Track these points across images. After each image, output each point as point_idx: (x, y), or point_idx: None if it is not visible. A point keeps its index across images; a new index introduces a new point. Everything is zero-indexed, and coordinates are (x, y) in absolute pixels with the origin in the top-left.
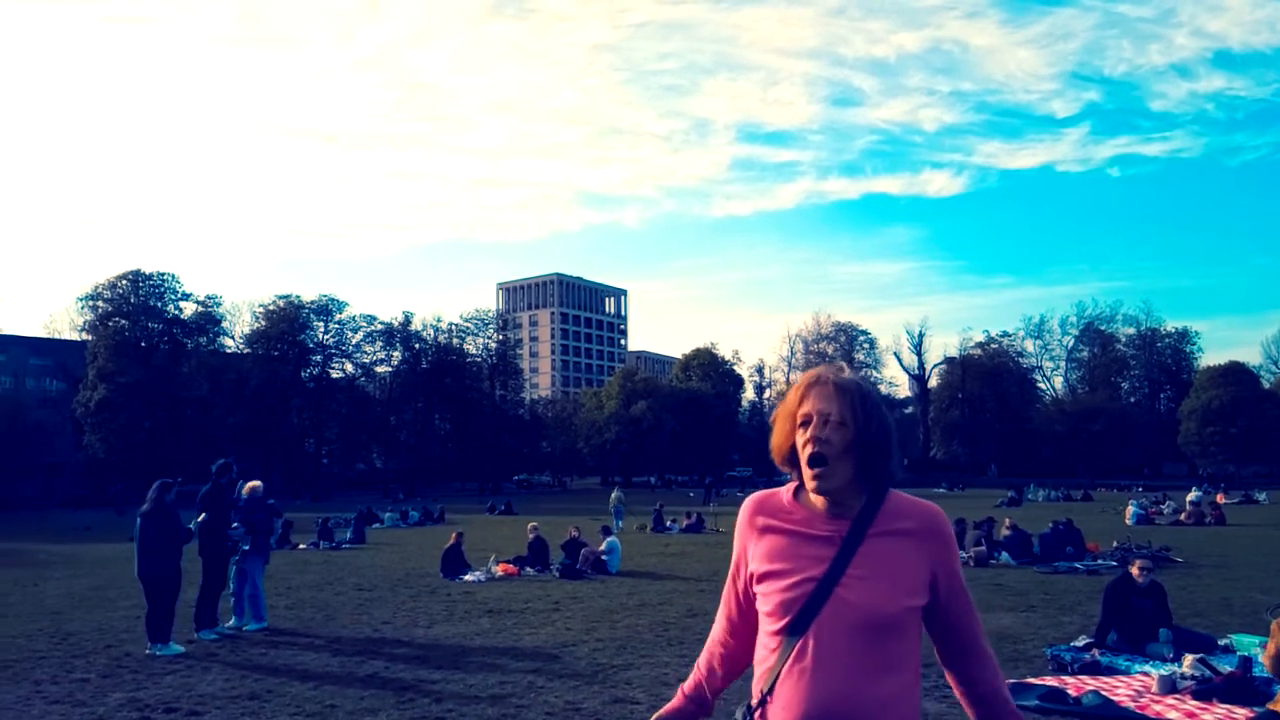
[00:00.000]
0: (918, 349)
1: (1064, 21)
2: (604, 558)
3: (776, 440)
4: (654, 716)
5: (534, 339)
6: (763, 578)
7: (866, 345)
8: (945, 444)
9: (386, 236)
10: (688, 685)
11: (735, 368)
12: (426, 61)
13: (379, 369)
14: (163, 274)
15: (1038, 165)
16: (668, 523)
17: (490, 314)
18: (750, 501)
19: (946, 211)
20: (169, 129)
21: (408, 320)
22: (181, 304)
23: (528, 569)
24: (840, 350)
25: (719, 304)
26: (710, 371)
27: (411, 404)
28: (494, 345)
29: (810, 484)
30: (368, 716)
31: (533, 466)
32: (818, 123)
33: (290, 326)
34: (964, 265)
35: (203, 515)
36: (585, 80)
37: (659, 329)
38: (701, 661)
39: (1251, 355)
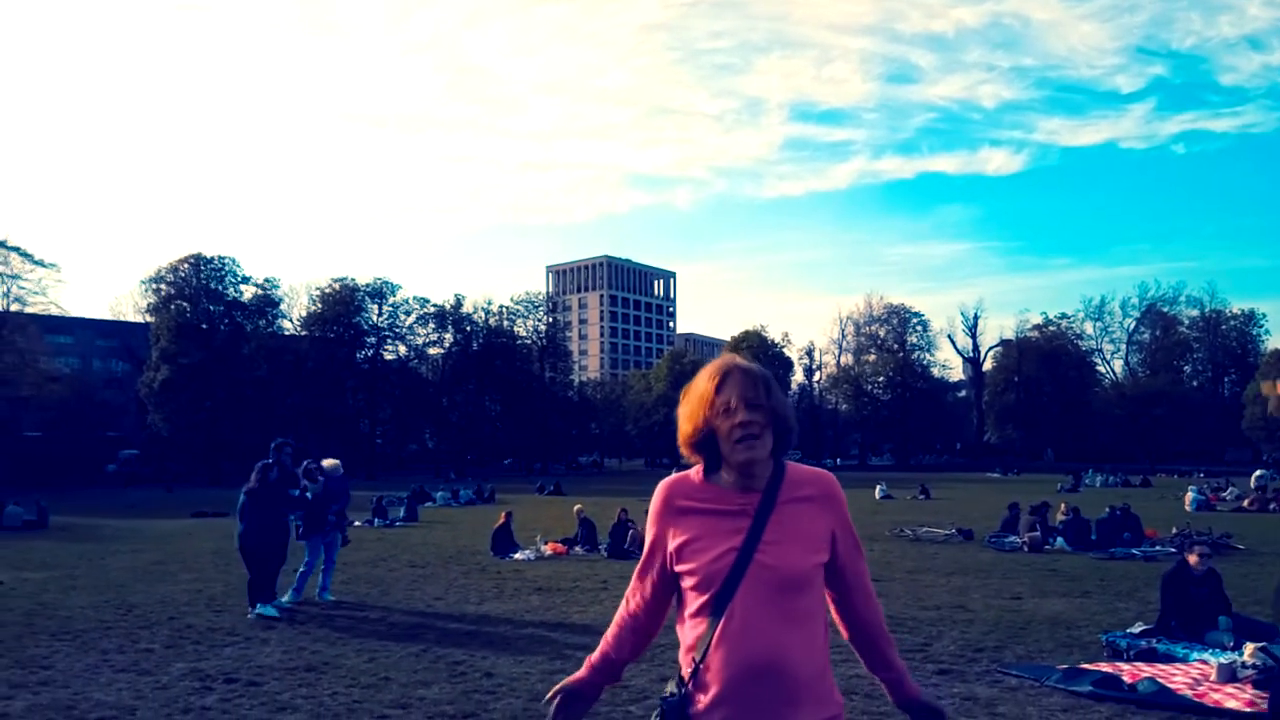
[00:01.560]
0: (972, 332)
1: None
2: None
3: (690, 426)
4: (558, 685)
5: (583, 321)
6: (684, 555)
7: (919, 328)
8: (999, 428)
9: (437, 219)
10: (594, 657)
11: (784, 350)
12: (477, 44)
13: (431, 351)
14: (223, 258)
15: (1100, 142)
16: None
17: (540, 296)
18: (665, 486)
19: (1005, 190)
20: (227, 114)
21: (459, 303)
22: (241, 287)
23: (576, 548)
24: (892, 333)
25: (769, 286)
26: (759, 354)
27: (463, 386)
28: (543, 328)
29: (740, 457)
30: (421, 689)
31: (581, 448)
32: (872, 101)
33: (345, 309)
34: (1022, 246)
35: (304, 490)
36: (636, 60)
37: (708, 311)
38: (610, 635)
39: None
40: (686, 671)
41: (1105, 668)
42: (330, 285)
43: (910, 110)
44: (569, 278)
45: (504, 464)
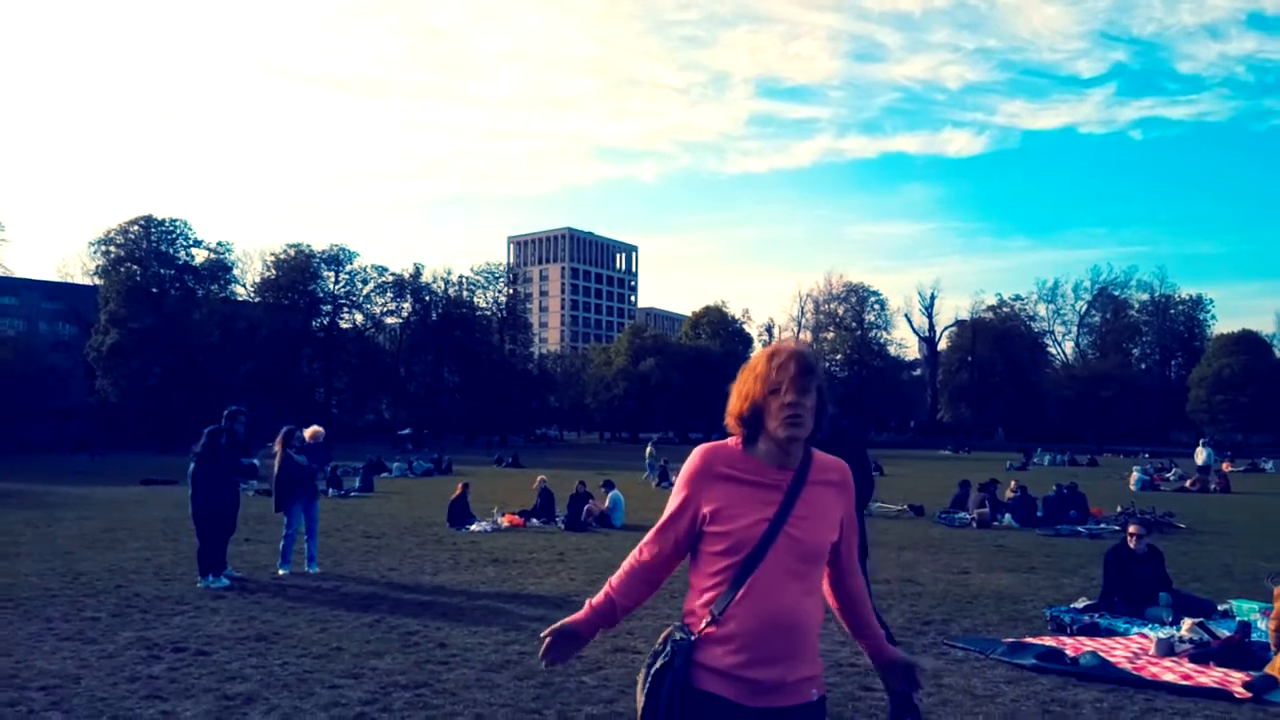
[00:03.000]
0: (929, 311)
1: None
2: (608, 512)
3: (744, 402)
4: (561, 622)
5: (544, 293)
6: (719, 518)
7: (877, 306)
8: (953, 407)
9: (398, 186)
10: (597, 599)
11: (744, 326)
12: (441, 8)
13: (389, 320)
14: (174, 220)
15: (1060, 126)
16: (672, 478)
17: (500, 267)
18: (705, 452)
19: (966, 172)
20: (180, 73)
21: (418, 272)
22: (194, 251)
23: (533, 520)
24: (851, 311)
25: (732, 261)
26: (719, 330)
27: (421, 356)
28: (504, 299)
29: (786, 433)
30: (373, 659)
31: (540, 421)
32: (838, 79)
33: (301, 276)
34: (981, 227)
35: (258, 456)
36: (602, 30)
37: (670, 285)
38: (617, 581)
39: (1265, 324)
40: (700, 622)
41: (1049, 641)
42: (285, 251)
43: (875, 89)
44: (530, 249)
45: (461, 438)
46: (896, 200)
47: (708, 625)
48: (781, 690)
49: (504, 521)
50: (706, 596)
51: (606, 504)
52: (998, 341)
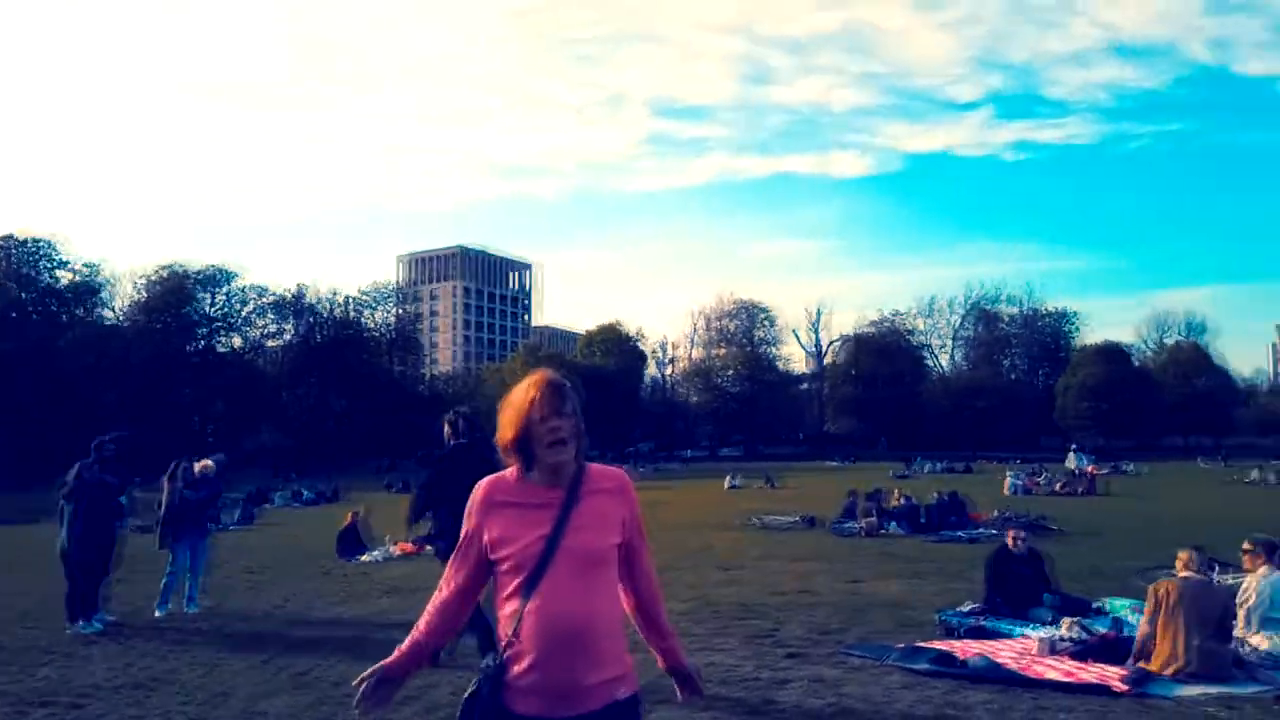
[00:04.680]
0: (816, 327)
1: (975, 6)
2: None
3: (510, 432)
4: (374, 668)
5: (435, 313)
6: (501, 544)
7: (767, 323)
8: (839, 419)
9: (286, 203)
10: (405, 644)
11: (639, 344)
12: (331, 18)
13: (270, 343)
14: (38, 240)
15: (940, 149)
16: None
17: (390, 286)
18: (486, 485)
19: (853, 192)
20: (50, 82)
21: (301, 293)
22: (58, 272)
23: (428, 547)
24: (742, 327)
25: (630, 279)
26: (614, 348)
27: (305, 379)
28: (394, 319)
29: (553, 459)
30: (263, 702)
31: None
32: (731, 100)
33: (175, 298)
34: (868, 245)
35: (127, 491)
36: (500, 46)
37: (569, 304)
38: (421, 622)
39: (1126, 335)
40: (502, 645)
41: (940, 645)
42: (158, 272)
43: (766, 111)
44: (422, 267)
45: (351, 464)
46: (789, 219)
47: (507, 646)
48: (585, 695)
49: (395, 550)
50: (504, 618)
51: None
52: (880, 355)
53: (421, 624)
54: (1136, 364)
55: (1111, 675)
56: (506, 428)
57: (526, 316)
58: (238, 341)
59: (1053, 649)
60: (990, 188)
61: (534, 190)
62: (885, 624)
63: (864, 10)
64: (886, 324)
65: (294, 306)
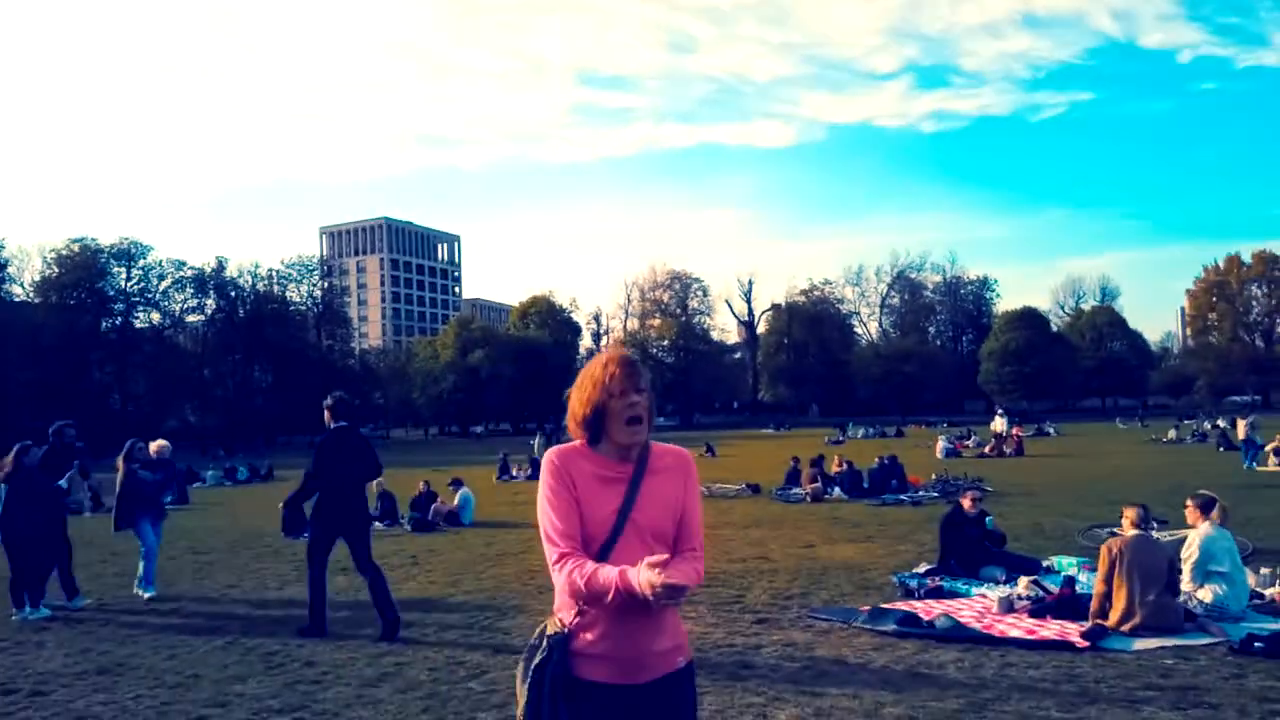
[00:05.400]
0: (747, 297)
1: None
2: (457, 510)
3: (584, 407)
4: (647, 578)
5: (362, 286)
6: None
7: (700, 293)
8: (772, 387)
9: (197, 176)
10: (619, 583)
11: (573, 315)
12: None
13: (190, 319)
14: None
15: (860, 120)
16: (513, 471)
17: (313, 260)
18: (560, 455)
19: (777, 162)
20: None
21: (221, 266)
22: None
23: (376, 524)
24: (675, 298)
25: (560, 250)
26: (548, 319)
27: (228, 355)
28: (319, 293)
29: (629, 437)
30: (236, 684)
31: (364, 419)
32: (654, 69)
33: (87, 273)
34: (793, 215)
35: (69, 474)
36: (416, 12)
37: (497, 276)
38: (601, 568)
39: (1043, 301)
40: (570, 614)
41: (903, 606)
42: (69, 247)
43: (690, 80)
44: (345, 240)
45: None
46: (714, 189)
47: (576, 615)
48: (650, 664)
49: None
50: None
51: (456, 502)
52: (810, 324)
53: (603, 567)
54: (1055, 329)
55: (1071, 631)
56: (580, 402)
57: (456, 289)
58: (156, 317)
59: (1011, 607)
60: (909, 157)
61: (457, 161)
62: (846, 587)
63: None
64: (816, 293)
65: (214, 280)
